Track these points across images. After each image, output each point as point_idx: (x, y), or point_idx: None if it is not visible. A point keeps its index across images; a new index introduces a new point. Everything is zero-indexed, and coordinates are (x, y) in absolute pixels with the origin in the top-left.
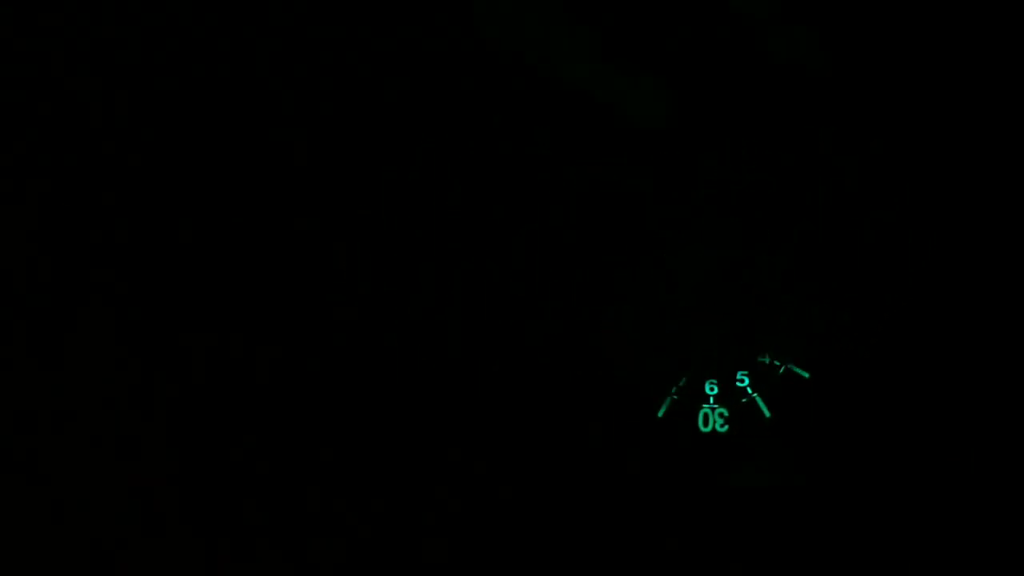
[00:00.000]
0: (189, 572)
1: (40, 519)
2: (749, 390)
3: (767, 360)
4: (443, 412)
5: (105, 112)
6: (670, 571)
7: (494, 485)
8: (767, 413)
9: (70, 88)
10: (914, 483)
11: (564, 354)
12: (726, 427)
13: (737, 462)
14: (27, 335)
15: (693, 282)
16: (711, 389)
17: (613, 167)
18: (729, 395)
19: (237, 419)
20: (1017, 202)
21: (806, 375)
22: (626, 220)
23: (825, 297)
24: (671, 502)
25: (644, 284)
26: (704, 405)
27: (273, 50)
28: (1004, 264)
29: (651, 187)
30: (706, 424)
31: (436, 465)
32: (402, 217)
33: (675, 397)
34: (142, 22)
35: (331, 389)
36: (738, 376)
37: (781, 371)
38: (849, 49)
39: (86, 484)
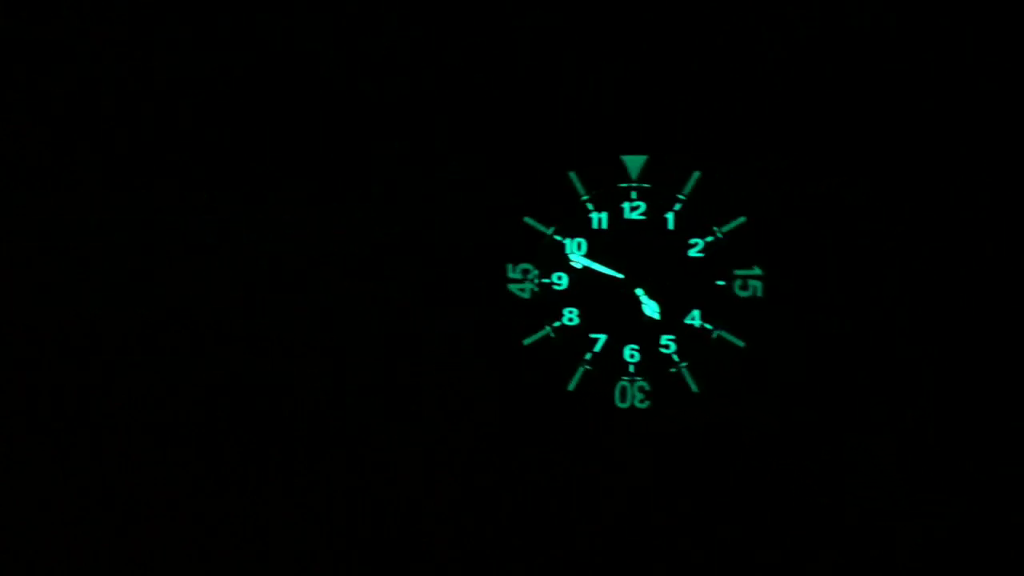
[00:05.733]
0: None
1: (38, 519)
2: (676, 358)
3: (697, 323)
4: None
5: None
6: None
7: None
8: (694, 387)
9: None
10: (851, 475)
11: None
12: (647, 403)
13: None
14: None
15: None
16: (631, 356)
17: None
18: (652, 365)
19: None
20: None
21: (740, 344)
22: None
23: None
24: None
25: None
26: (623, 377)
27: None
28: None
29: None
30: (624, 399)
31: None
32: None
33: (588, 367)
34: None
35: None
36: (662, 342)
37: (713, 337)
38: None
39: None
